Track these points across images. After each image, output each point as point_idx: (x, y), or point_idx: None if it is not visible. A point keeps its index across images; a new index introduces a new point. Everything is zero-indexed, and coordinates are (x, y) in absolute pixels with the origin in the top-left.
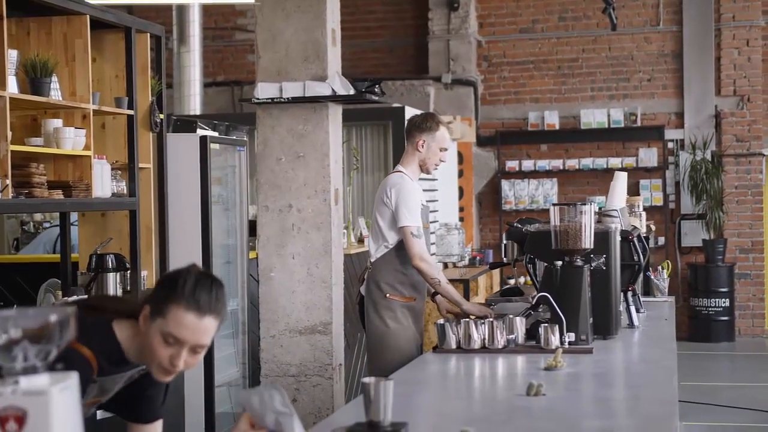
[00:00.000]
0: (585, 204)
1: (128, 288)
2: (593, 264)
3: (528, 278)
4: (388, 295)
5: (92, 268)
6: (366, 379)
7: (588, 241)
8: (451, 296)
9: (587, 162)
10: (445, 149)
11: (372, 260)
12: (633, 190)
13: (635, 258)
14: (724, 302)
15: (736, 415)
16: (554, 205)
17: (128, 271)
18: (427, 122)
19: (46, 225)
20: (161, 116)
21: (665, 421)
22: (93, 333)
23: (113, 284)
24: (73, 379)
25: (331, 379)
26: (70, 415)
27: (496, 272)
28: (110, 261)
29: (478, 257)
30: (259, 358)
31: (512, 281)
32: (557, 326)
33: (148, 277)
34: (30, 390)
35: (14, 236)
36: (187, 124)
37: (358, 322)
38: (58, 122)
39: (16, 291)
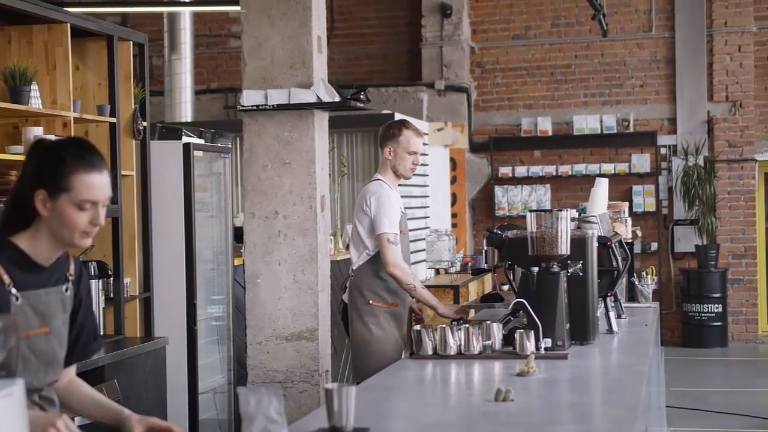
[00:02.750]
0: (561, 210)
1: (111, 295)
2: (570, 270)
3: None
4: (371, 301)
5: None
6: (328, 385)
7: (564, 247)
8: (426, 301)
9: (580, 168)
10: (414, 152)
11: (354, 268)
12: (625, 196)
13: (614, 264)
14: (717, 308)
15: (728, 421)
16: (531, 211)
17: (111, 278)
18: (389, 130)
19: None
20: (144, 124)
21: (626, 425)
22: None
23: (96, 291)
24: (18, 386)
25: (318, 386)
26: (13, 422)
27: (488, 278)
28: (93, 268)
29: (470, 263)
30: (246, 364)
31: (506, 287)
32: (533, 332)
33: (131, 284)
34: None
35: None
36: (172, 132)
37: (345, 329)
38: (38, 130)
39: None
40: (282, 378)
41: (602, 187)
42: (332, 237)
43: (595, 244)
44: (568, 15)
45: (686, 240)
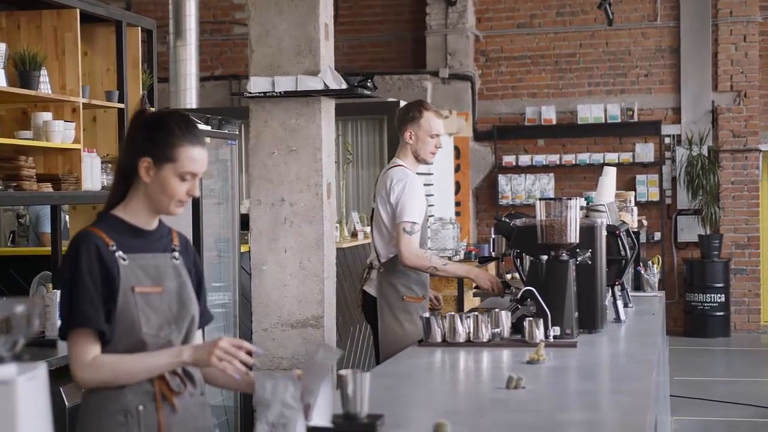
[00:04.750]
0: (571, 199)
1: None
2: (579, 258)
3: None
4: (405, 297)
5: None
6: (342, 372)
7: (573, 236)
8: (456, 275)
9: (584, 157)
10: (437, 135)
11: (383, 260)
12: (629, 186)
13: (622, 253)
14: (720, 297)
15: (730, 410)
16: (540, 199)
17: None
18: (409, 112)
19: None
20: (152, 110)
21: (639, 413)
22: (95, 223)
23: None
24: (41, 369)
25: None
26: (37, 405)
27: (492, 266)
28: None
29: (474, 252)
30: None
31: (509, 276)
32: (542, 320)
33: None
34: None
35: (10, 229)
36: None
37: (349, 317)
38: (47, 115)
39: (10, 283)
40: (287, 365)
41: (610, 176)
42: (337, 225)
43: (604, 232)
44: (573, 4)
45: (689, 230)
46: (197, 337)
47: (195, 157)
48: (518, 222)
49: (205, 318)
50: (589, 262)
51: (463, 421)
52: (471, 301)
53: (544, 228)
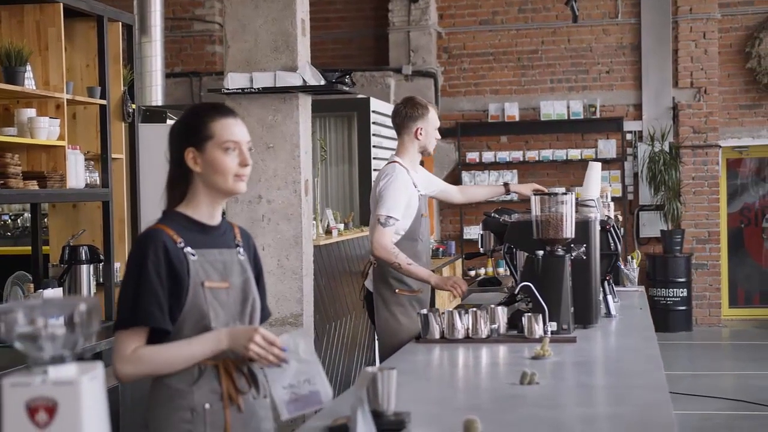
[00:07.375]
0: (566, 194)
1: (101, 280)
2: (574, 253)
3: (490, 269)
4: (397, 290)
5: (65, 260)
6: (370, 369)
7: (569, 231)
8: (417, 277)
9: (547, 153)
10: (437, 127)
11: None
12: None
13: (612, 247)
14: (682, 292)
15: (695, 403)
16: (535, 194)
17: (101, 263)
18: (417, 110)
19: (5, 217)
20: (133, 106)
21: (663, 407)
22: (161, 220)
23: (86, 276)
24: (99, 369)
25: None
26: (98, 404)
27: (459, 263)
28: (83, 253)
29: (440, 249)
30: None
31: (473, 273)
32: (540, 316)
33: (122, 268)
34: (59, 380)
35: None
36: (156, 115)
37: (326, 314)
38: (31, 112)
39: None
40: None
41: (596, 170)
42: (313, 222)
43: (598, 227)
44: (535, 1)
45: (651, 225)
46: None
47: (230, 126)
48: (512, 217)
49: (264, 314)
50: (584, 257)
51: (488, 418)
52: (440, 298)
53: (540, 223)
